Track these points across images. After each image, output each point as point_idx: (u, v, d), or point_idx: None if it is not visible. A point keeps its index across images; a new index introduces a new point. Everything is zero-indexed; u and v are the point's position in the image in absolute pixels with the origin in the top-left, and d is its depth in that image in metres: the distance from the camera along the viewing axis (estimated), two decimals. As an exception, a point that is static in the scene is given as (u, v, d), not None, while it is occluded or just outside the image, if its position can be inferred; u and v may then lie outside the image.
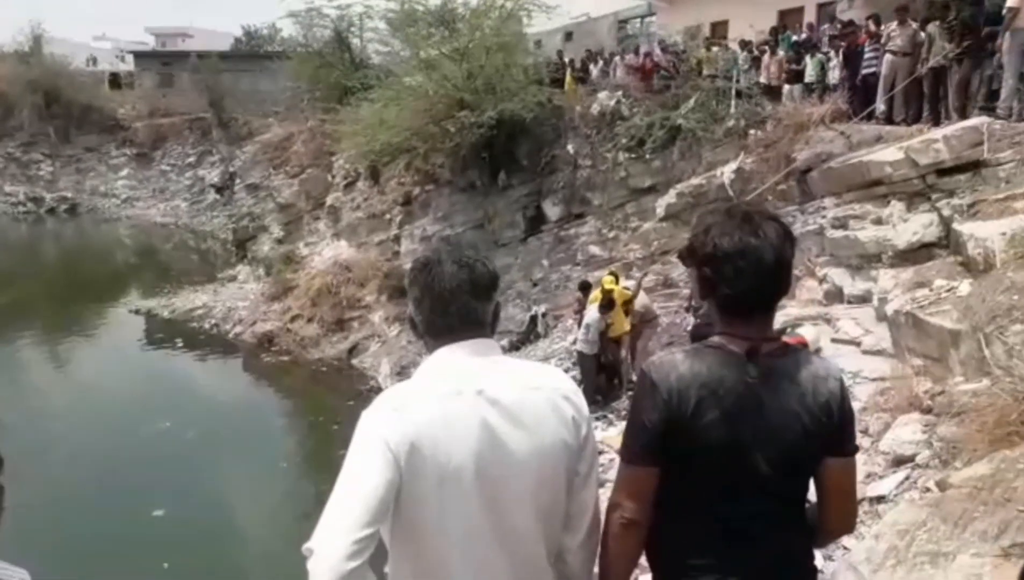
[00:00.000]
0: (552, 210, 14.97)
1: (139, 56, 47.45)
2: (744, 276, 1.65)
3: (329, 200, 20.07)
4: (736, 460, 1.65)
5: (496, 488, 1.59)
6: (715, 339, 1.72)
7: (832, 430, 1.68)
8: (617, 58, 17.59)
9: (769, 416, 1.65)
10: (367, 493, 1.46)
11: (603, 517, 1.77)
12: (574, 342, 10.27)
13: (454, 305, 1.67)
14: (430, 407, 1.57)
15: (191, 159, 38.60)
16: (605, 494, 1.79)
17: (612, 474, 1.93)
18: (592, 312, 9.66)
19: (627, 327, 9.73)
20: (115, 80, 45.50)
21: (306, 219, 20.95)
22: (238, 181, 26.78)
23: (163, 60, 45.56)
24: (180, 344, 16.64)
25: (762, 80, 13.36)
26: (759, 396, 1.65)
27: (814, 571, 1.80)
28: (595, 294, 9.99)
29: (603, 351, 9.73)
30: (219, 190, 31.84)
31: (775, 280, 1.69)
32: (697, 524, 1.72)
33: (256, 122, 28.40)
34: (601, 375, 9.89)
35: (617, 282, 10.06)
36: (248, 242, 22.33)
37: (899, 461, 4.67)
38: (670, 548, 1.76)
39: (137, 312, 19.34)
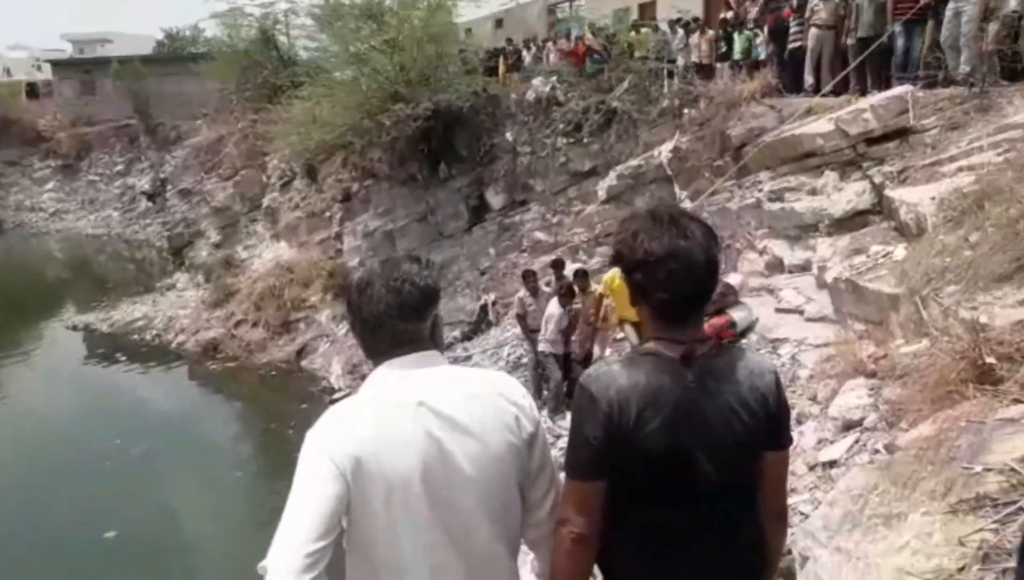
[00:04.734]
0: (495, 198, 14.95)
1: (57, 64, 45.61)
2: (677, 279, 1.64)
3: (266, 201, 19.71)
4: (680, 465, 1.66)
5: (446, 497, 1.62)
6: (650, 346, 1.71)
7: (769, 424, 1.71)
8: (549, 44, 17.60)
9: (709, 418, 1.66)
10: (315, 507, 1.50)
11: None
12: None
13: (382, 330, 1.69)
14: (371, 421, 1.60)
15: (119, 167, 37.41)
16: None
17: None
18: (553, 305, 8.85)
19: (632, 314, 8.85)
20: (32, 90, 43.81)
21: (243, 222, 20.54)
22: (170, 187, 26.11)
23: (83, 67, 43.89)
24: (122, 358, 16.17)
25: (693, 59, 13.51)
26: (697, 399, 1.66)
27: (765, 558, 1.83)
28: (611, 275, 8.09)
29: (578, 347, 8.92)
30: (151, 197, 30.99)
31: (706, 280, 1.69)
32: (648, 532, 1.72)
33: (185, 126, 27.68)
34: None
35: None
36: (185, 249, 21.83)
37: (848, 426, 4.79)
38: (622, 559, 1.76)
39: (75, 328, 18.72)
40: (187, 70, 29.12)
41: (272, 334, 15.58)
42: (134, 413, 13.15)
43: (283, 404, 12.97)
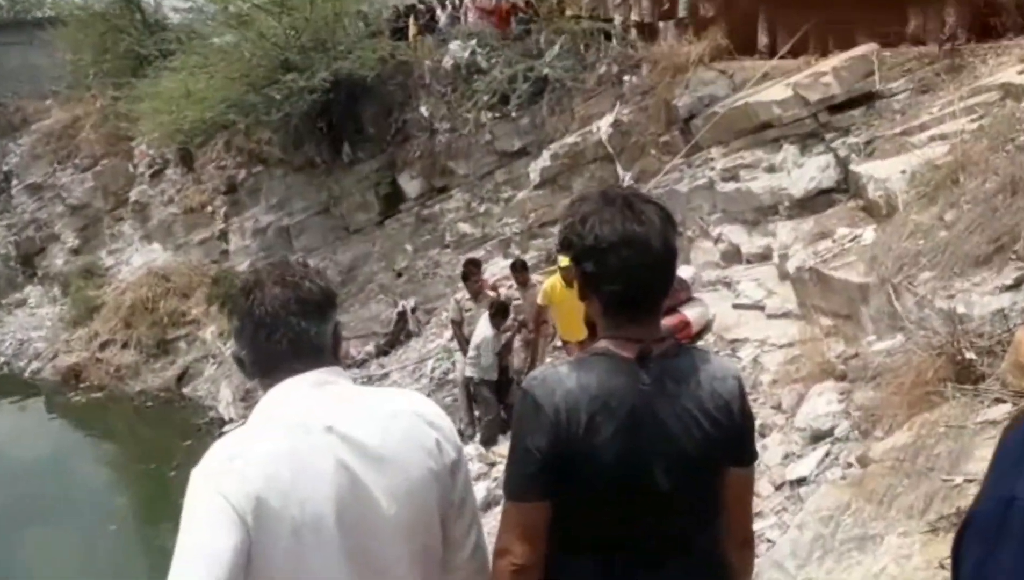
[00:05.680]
0: (410, 185, 14.84)
1: None
2: (631, 268, 1.67)
3: (133, 195, 19.19)
4: (635, 478, 1.68)
5: (362, 534, 1.59)
6: (602, 345, 1.74)
7: (732, 434, 1.75)
8: (467, 1, 17.56)
9: (666, 424, 1.69)
10: (210, 562, 1.42)
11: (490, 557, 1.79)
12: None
13: (280, 329, 1.65)
14: (273, 452, 1.55)
15: (-50, 159, 35.99)
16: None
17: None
18: (483, 326, 8.50)
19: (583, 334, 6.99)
20: None
21: (107, 221, 19.97)
22: (15, 181, 25.13)
23: (-101, 36, 42.00)
24: (-37, 393, 15.57)
25: (633, 17, 13.64)
26: (654, 404, 1.69)
27: None
28: (551, 282, 7.87)
29: (506, 371, 8.80)
30: (-9, 195, 29.88)
31: (664, 271, 1.73)
32: (597, 556, 1.74)
33: (32, 106, 26.69)
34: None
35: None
36: (36, 256, 21.12)
37: (817, 437, 4.93)
38: None
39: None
40: (33, 38, 28.02)
41: (146, 357, 15.22)
42: (-16, 459, 12.70)
43: (163, 440, 12.69)
